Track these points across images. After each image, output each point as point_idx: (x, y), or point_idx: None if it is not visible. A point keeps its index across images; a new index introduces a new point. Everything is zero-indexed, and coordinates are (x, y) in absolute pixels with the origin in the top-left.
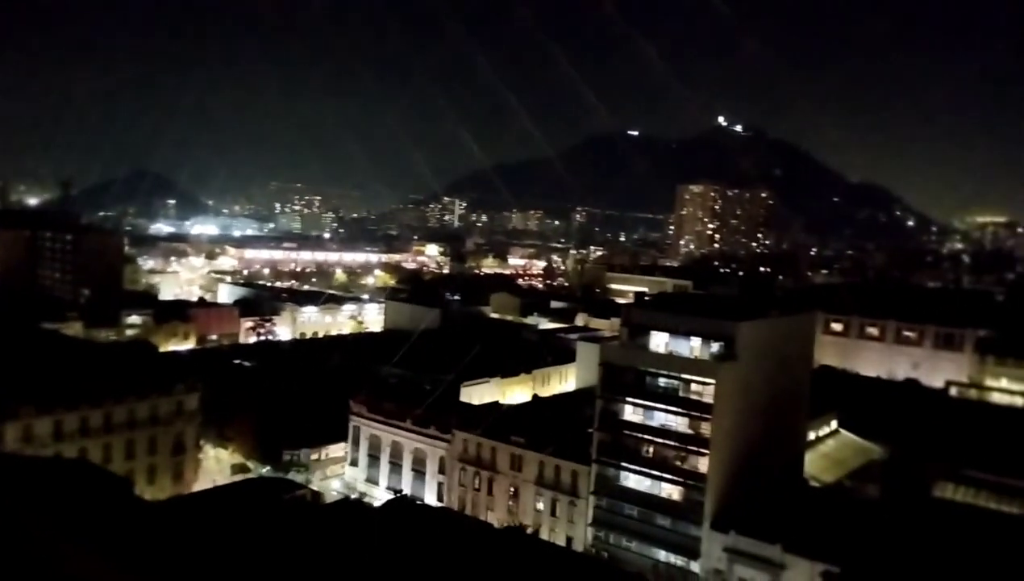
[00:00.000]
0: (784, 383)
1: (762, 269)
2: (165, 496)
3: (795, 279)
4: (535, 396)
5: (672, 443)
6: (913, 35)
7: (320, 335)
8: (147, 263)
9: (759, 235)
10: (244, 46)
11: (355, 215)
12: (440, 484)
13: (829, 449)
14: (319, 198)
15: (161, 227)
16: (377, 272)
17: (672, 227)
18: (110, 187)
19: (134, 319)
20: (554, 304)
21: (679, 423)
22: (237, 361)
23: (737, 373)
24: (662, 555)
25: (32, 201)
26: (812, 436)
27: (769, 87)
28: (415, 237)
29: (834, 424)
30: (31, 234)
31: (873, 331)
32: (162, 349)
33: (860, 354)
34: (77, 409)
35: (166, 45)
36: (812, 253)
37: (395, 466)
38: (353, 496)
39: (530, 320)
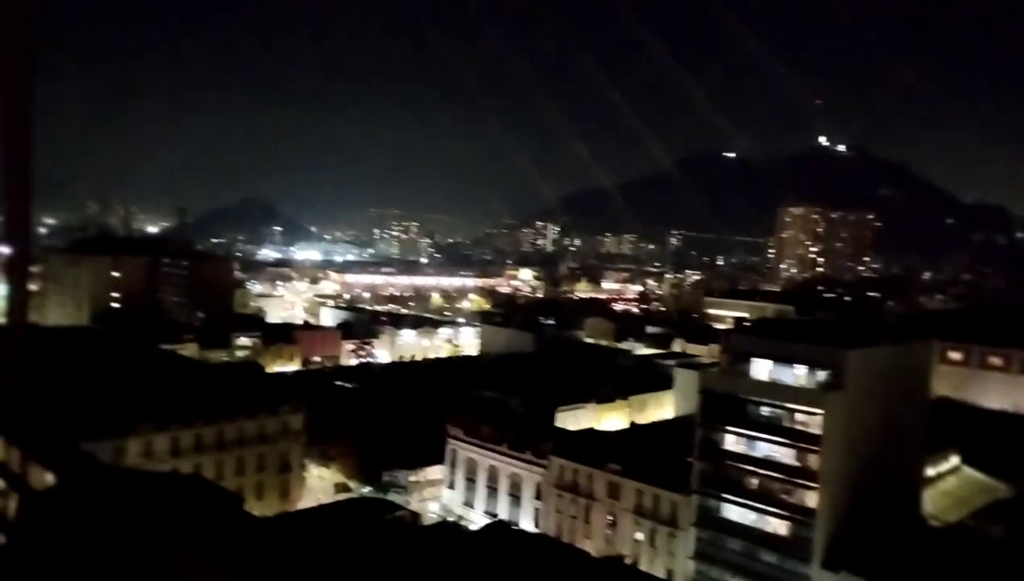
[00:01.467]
0: (899, 415)
1: (870, 294)
2: (272, 512)
3: (906, 305)
4: (632, 423)
5: (777, 475)
6: None
7: (417, 358)
8: (255, 287)
9: (866, 259)
10: (346, 78)
11: (450, 240)
12: (537, 510)
13: (950, 486)
14: (416, 224)
15: (268, 253)
16: (472, 296)
17: (772, 251)
18: (222, 215)
19: (244, 341)
20: (650, 329)
21: (784, 454)
22: (339, 383)
23: (846, 403)
24: None
25: (151, 228)
26: (931, 472)
27: (874, 104)
28: (509, 261)
29: (955, 460)
30: (151, 260)
31: (996, 361)
32: (269, 370)
33: (982, 385)
34: (192, 426)
35: (275, 81)
36: (924, 277)
37: (492, 490)
38: (450, 519)
39: (625, 345)
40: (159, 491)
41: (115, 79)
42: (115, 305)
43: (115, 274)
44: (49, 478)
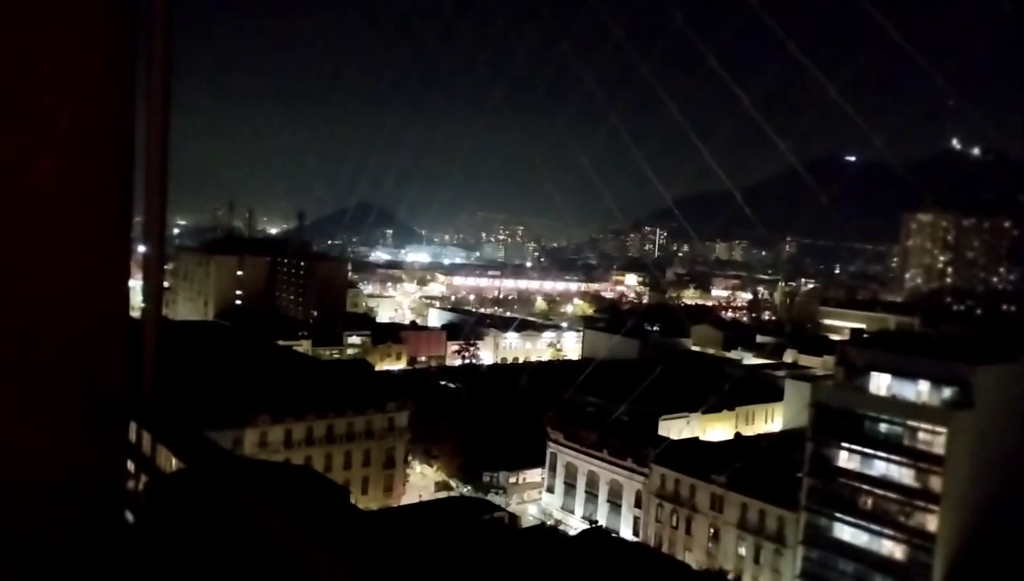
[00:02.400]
0: None
1: (1005, 307)
2: (376, 507)
3: None
4: (738, 434)
5: (895, 496)
6: None
7: (520, 360)
8: (367, 288)
9: (1001, 270)
10: (458, 85)
11: (555, 244)
12: (636, 518)
13: None
14: (522, 228)
15: (380, 255)
16: (576, 300)
17: (896, 259)
18: (338, 218)
19: (354, 339)
20: (760, 338)
21: (903, 474)
22: (443, 383)
23: (975, 422)
24: None
25: (273, 230)
26: None
27: (1014, 105)
28: (614, 266)
29: None
30: (271, 260)
31: None
32: (377, 368)
33: None
34: (304, 419)
35: (392, 88)
36: None
37: (591, 496)
38: (549, 523)
39: (733, 354)
40: (275, 479)
41: (244, 89)
42: (238, 302)
43: (239, 273)
44: (175, 463)
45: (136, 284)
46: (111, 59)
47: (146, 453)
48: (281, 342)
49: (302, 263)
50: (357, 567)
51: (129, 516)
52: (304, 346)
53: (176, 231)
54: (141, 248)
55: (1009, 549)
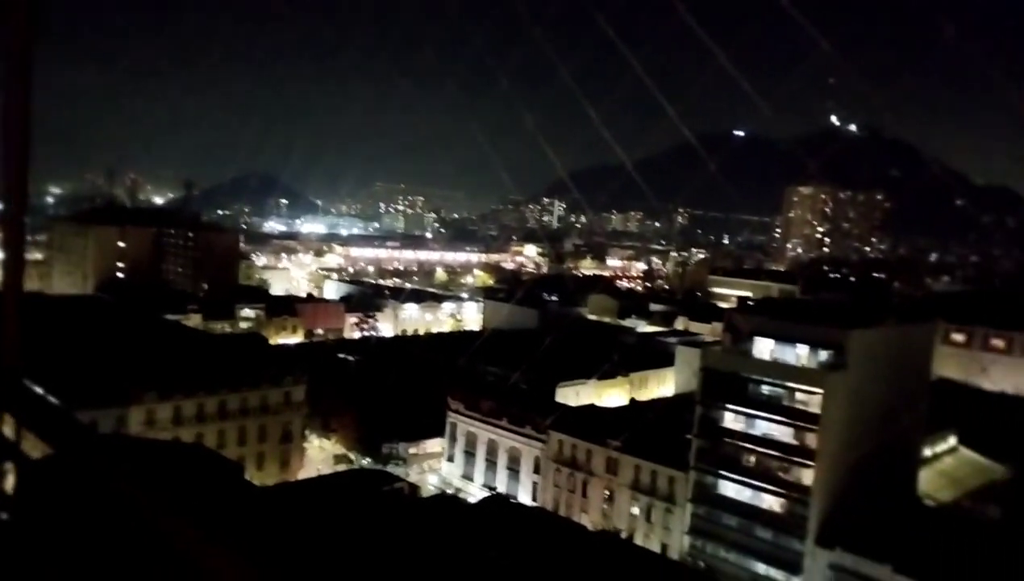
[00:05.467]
0: (899, 396)
1: (876, 275)
2: (272, 482)
3: (913, 286)
4: (632, 400)
5: (775, 453)
6: None
7: (420, 332)
8: (260, 260)
9: (873, 239)
10: (352, 51)
11: (456, 215)
12: (535, 484)
13: (947, 467)
14: (422, 198)
15: (273, 225)
16: (476, 272)
17: (779, 230)
18: (229, 188)
19: (248, 313)
20: (653, 307)
21: (783, 433)
22: (341, 355)
23: (847, 383)
24: (761, 568)
25: (158, 200)
26: (928, 452)
27: (888, 85)
28: (514, 238)
29: (953, 441)
30: (156, 231)
31: (999, 343)
32: (272, 342)
33: (984, 368)
34: (195, 396)
35: (282, 55)
36: (932, 259)
37: (491, 464)
38: (449, 491)
39: (628, 322)
40: (160, 460)
41: (122, 54)
42: (120, 275)
43: (121, 244)
44: (44, 448)
45: None
46: None
47: (10, 439)
48: (169, 316)
49: (190, 234)
50: (238, 549)
51: None
52: (194, 320)
53: (50, 200)
54: None
55: (873, 498)
